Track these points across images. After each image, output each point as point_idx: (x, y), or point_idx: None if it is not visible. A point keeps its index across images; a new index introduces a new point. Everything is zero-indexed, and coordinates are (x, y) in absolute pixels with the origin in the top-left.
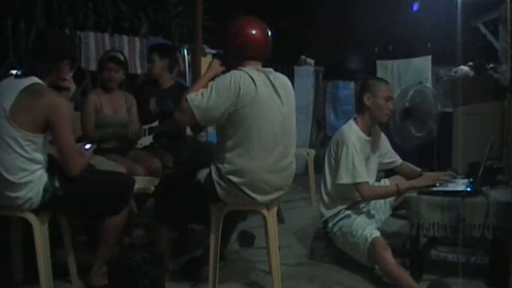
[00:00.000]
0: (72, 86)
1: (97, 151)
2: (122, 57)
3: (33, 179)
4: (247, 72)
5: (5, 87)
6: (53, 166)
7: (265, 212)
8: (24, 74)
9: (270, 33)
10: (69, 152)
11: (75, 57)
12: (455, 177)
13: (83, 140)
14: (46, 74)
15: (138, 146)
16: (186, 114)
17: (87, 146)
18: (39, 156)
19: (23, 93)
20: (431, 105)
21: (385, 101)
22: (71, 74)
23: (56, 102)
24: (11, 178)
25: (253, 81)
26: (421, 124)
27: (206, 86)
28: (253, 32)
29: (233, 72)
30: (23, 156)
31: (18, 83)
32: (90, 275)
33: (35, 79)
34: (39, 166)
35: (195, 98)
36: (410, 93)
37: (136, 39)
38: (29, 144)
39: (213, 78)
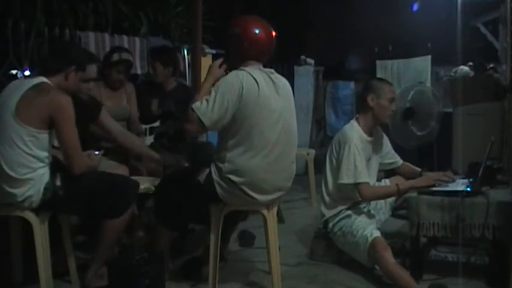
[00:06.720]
0: None
1: None
2: (130, 58)
3: (34, 177)
4: (249, 72)
5: (14, 85)
6: (56, 165)
7: (265, 212)
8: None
9: (273, 33)
10: (72, 150)
11: (85, 67)
12: (453, 178)
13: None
14: (54, 75)
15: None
16: (195, 123)
17: (96, 152)
18: (42, 154)
19: (29, 91)
20: (433, 105)
21: (389, 102)
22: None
23: (60, 100)
24: (11, 173)
25: (256, 81)
26: (423, 124)
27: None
28: (258, 32)
29: (235, 72)
30: (25, 153)
31: (27, 81)
32: (86, 276)
33: (43, 78)
34: (42, 164)
35: (201, 106)
36: (412, 93)
37: (137, 39)
38: (32, 140)
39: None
